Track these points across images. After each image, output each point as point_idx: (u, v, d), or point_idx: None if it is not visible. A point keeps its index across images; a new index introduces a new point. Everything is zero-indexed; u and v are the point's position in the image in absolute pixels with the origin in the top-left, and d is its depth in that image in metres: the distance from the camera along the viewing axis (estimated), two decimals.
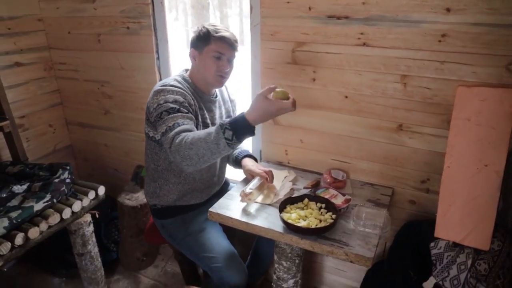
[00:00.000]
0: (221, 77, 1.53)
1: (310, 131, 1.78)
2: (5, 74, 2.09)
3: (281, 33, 1.66)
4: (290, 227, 1.32)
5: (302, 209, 1.43)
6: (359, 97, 1.61)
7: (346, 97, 1.63)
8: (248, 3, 1.72)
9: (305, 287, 2.06)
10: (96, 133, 2.51)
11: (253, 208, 1.49)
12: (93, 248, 1.87)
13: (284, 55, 1.69)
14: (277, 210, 1.40)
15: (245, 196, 1.45)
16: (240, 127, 1.21)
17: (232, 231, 1.61)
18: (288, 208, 1.43)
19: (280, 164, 1.92)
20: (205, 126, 1.55)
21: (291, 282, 1.48)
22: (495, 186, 1.26)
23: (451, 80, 1.42)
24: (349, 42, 1.54)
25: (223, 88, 1.74)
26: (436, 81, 1.45)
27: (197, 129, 1.46)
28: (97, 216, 1.83)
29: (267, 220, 1.40)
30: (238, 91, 1.92)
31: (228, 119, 1.23)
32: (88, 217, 1.80)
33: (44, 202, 1.59)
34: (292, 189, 1.63)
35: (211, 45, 1.47)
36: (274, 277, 1.52)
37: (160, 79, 2.11)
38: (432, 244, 1.41)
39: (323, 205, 1.44)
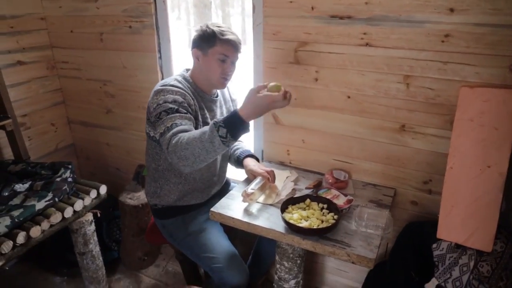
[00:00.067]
0: (224, 79, 1.53)
1: (312, 131, 1.77)
2: (7, 73, 2.09)
3: (284, 33, 1.66)
4: (292, 228, 1.31)
5: (304, 209, 1.43)
6: (362, 97, 1.60)
7: (349, 97, 1.63)
8: (251, 2, 1.71)
9: None
10: (98, 132, 2.51)
11: (254, 208, 1.48)
12: (95, 247, 1.87)
13: (287, 54, 1.69)
14: (278, 210, 1.39)
15: (247, 196, 1.45)
16: (234, 124, 1.21)
17: (233, 231, 1.61)
18: (290, 208, 1.43)
19: (282, 164, 1.91)
20: (206, 125, 1.55)
21: (292, 282, 1.48)
22: (498, 187, 1.25)
23: (454, 80, 1.41)
24: (351, 42, 1.54)
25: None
26: (439, 81, 1.44)
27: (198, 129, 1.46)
28: (98, 215, 1.83)
29: (268, 221, 1.40)
30: (240, 91, 1.91)
31: (222, 117, 1.24)
32: (89, 216, 1.80)
33: (46, 201, 1.59)
34: (294, 189, 1.63)
35: (216, 47, 1.46)
36: (276, 277, 1.52)
37: (162, 78, 2.11)
38: (434, 245, 1.40)
39: (325, 206, 1.43)
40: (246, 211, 1.46)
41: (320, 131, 1.75)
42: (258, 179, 1.55)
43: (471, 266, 1.29)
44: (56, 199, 1.64)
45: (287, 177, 1.73)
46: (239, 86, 1.91)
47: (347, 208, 1.45)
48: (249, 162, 1.69)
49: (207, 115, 1.58)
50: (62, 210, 1.62)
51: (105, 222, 2.30)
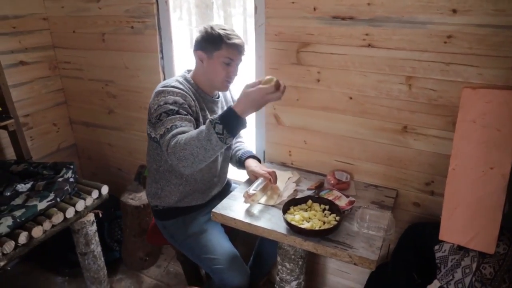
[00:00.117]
0: (228, 82, 1.53)
1: (314, 132, 1.77)
2: (10, 73, 2.10)
3: (286, 34, 1.66)
4: (293, 229, 1.31)
5: (306, 210, 1.43)
6: (364, 98, 1.60)
7: (351, 98, 1.63)
8: (253, 3, 1.71)
9: None
10: (100, 132, 2.51)
11: (256, 209, 1.48)
12: (96, 247, 1.87)
13: (289, 55, 1.69)
14: (280, 211, 1.39)
15: (248, 197, 1.45)
16: (230, 120, 1.22)
17: (234, 232, 1.60)
18: (291, 209, 1.43)
19: (284, 165, 1.91)
20: None
21: (294, 283, 1.48)
22: (500, 189, 1.25)
23: (456, 81, 1.41)
24: (354, 43, 1.53)
25: None
26: (441, 82, 1.44)
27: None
28: (100, 215, 1.83)
29: (270, 221, 1.40)
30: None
31: (217, 114, 1.24)
32: (91, 217, 1.80)
33: (47, 201, 1.59)
34: (295, 190, 1.63)
35: (221, 51, 1.45)
36: (277, 278, 1.52)
37: (164, 79, 2.11)
38: (436, 247, 1.40)
39: (327, 207, 1.43)
40: (248, 212, 1.46)
41: (322, 132, 1.75)
42: (259, 180, 1.55)
43: (473, 268, 1.29)
44: (58, 199, 1.64)
45: (289, 178, 1.72)
46: (240, 87, 1.91)
47: (349, 210, 1.44)
48: (251, 163, 1.69)
49: (208, 116, 1.57)
50: (64, 210, 1.62)
51: (106, 222, 2.30)
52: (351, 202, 1.46)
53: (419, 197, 1.65)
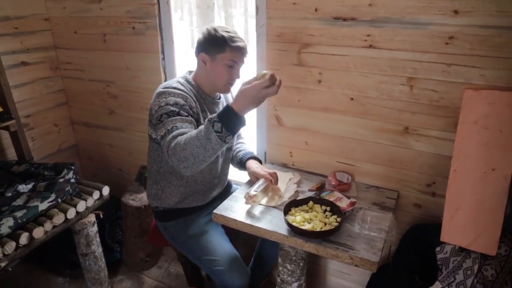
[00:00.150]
0: (230, 85, 1.53)
1: (315, 133, 1.77)
2: (11, 73, 2.10)
3: (287, 34, 1.66)
4: (294, 230, 1.31)
5: (307, 211, 1.43)
6: (365, 99, 1.60)
7: (352, 99, 1.62)
8: (254, 4, 1.71)
9: None
10: (101, 133, 2.51)
11: (257, 210, 1.48)
12: (97, 248, 1.87)
13: (290, 56, 1.68)
14: (281, 213, 1.39)
15: (249, 198, 1.45)
16: (228, 118, 1.21)
17: (234, 233, 1.60)
18: (292, 210, 1.43)
19: (285, 166, 1.91)
20: None
21: (295, 285, 1.48)
22: (502, 191, 1.24)
23: (458, 82, 1.41)
24: (355, 44, 1.53)
25: None
26: (443, 83, 1.43)
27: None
28: (101, 216, 1.83)
29: (271, 223, 1.39)
30: None
31: (216, 113, 1.24)
32: (92, 217, 1.80)
33: (48, 202, 1.59)
34: (296, 192, 1.63)
35: (225, 54, 1.45)
36: (278, 280, 1.52)
37: (166, 80, 2.11)
38: (438, 249, 1.39)
39: (328, 208, 1.43)
40: (249, 213, 1.46)
41: (323, 133, 1.75)
42: (261, 181, 1.55)
43: (475, 269, 1.28)
44: (59, 200, 1.64)
45: (290, 179, 1.72)
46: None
47: (350, 211, 1.44)
48: (252, 164, 1.69)
49: None
50: (65, 211, 1.62)
51: (107, 223, 2.30)
52: (352, 204, 1.46)
53: (420, 198, 1.64)
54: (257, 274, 1.81)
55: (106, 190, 1.83)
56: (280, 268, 1.48)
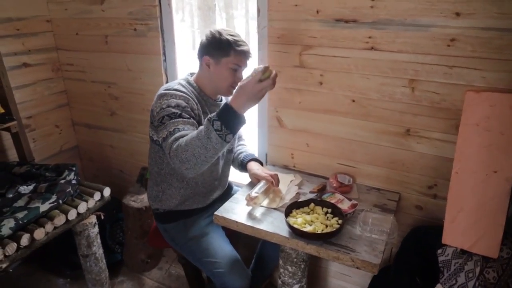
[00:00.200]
0: (232, 88, 1.52)
1: (317, 135, 1.77)
2: (13, 75, 2.10)
3: (288, 36, 1.66)
4: (296, 232, 1.31)
5: (308, 213, 1.42)
6: (366, 101, 1.60)
7: (353, 101, 1.62)
8: (255, 4, 1.71)
9: None
10: (102, 134, 2.52)
11: (258, 212, 1.48)
12: (98, 249, 1.87)
13: (291, 58, 1.68)
14: (282, 215, 1.39)
15: (250, 200, 1.45)
16: (227, 116, 1.21)
17: (235, 235, 1.60)
18: (294, 212, 1.43)
19: (286, 168, 1.91)
20: None
21: (296, 287, 1.47)
22: (504, 193, 1.24)
23: (459, 85, 1.40)
24: (356, 46, 1.53)
25: None
26: (444, 85, 1.43)
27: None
28: (102, 217, 1.83)
29: (272, 225, 1.39)
30: None
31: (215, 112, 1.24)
32: (93, 219, 1.80)
33: (50, 203, 1.59)
34: (298, 193, 1.63)
35: (230, 57, 1.45)
36: (279, 282, 1.51)
37: (167, 81, 2.11)
38: (439, 251, 1.39)
39: (329, 210, 1.43)
40: (250, 215, 1.46)
41: (324, 135, 1.75)
42: (262, 183, 1.55)
43: (477, 272, 1.28)
44: (60, 201, 1.64)
45: (291, 181, 1.72)
46: None
47: (352, 213, 1.44)
48: (253, 165, 1.69)
49: None
50: (66, 212, 1.62)
51: (108, 224, 2.30)
52: (354, 205, 1.46)
53: (421, 200, 1.64)
54: (258, 276, 1.81)
55: (107, 191, 1.83)
56: (281, 270, 1.48)
